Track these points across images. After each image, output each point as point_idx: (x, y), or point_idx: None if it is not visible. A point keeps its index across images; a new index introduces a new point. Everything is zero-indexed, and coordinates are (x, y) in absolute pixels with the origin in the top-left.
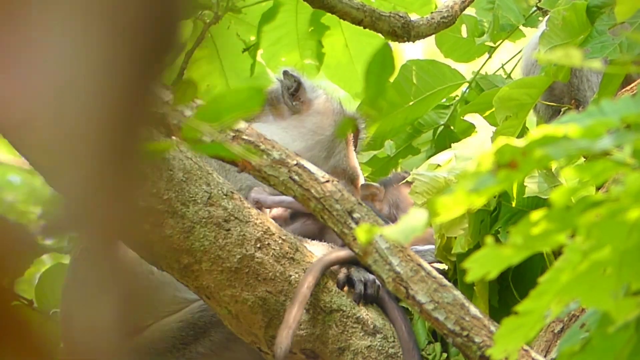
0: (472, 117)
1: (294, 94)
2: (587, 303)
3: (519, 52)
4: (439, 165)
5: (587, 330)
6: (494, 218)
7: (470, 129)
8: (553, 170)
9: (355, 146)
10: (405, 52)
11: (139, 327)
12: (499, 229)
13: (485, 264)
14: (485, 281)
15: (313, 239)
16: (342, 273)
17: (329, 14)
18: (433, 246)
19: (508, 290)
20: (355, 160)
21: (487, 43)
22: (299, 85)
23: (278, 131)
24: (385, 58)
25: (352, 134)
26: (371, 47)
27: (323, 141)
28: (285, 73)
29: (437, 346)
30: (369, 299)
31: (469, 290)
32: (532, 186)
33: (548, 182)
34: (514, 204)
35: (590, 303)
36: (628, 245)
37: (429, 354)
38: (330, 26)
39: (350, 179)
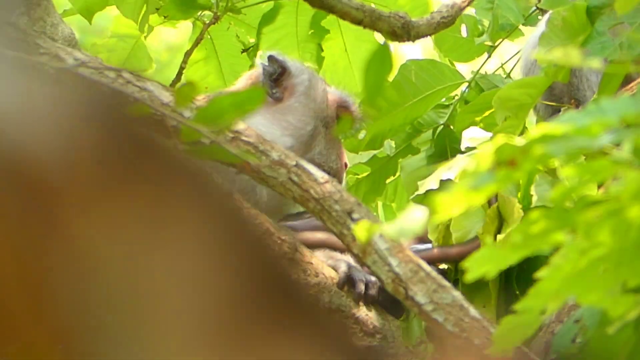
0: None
1: (277, 79)
2: (584, 301)
3: (519, 51)
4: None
5: (582, 327)
6: (499, 225)
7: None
8: (559, 176)
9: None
10: (405, 51)
11: None
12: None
13: (485, 264)
14: (494, 287)
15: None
16: (343, 272)
17: (329, 17)
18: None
19: (512, 294)
20: (336, 154)
21: (486, 43)
22: (283, 70)
23: (264, 122)
24: (383, 58)
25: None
26: (370, 52)
27: (303, 135)
28: (270, 58)
29: (430, 347)
30: (369, 299)
31: (469, 291)
32: (539, 194)
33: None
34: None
35: (588, 301)
36: (627, 244)
37: (420, 352)
38: (330, 30)
39: (329, 174)
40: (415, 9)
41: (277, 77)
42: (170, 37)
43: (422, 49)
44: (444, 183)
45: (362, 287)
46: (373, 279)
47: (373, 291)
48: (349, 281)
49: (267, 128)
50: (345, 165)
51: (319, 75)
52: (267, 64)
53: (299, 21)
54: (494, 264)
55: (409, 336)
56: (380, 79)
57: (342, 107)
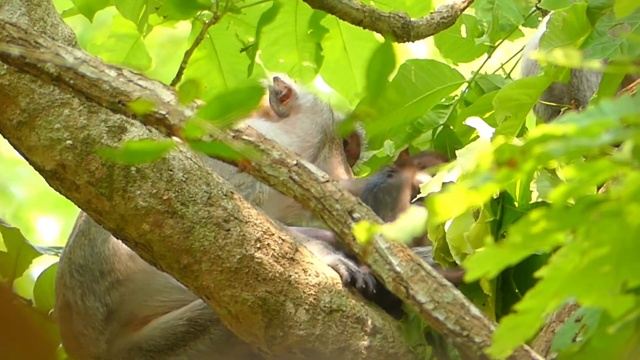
0: (474, 120)
1: (283, 99)
2: (585, 300)
3: (519, 52)
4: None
5: (582, 326)
6: (499, 223)
7: (469, 129)
8: (557, 171)
9: (358, 154)
10: (409, 51)
11: (134, 316)
12: (504, 234)
13: (485, 264)
14: (493, 289)
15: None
16: (346, 271)
17: (328, 16)
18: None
19: (513, 297)
20: (340, 168)
21: (486, 43)
22: (289, 91)
23: (273, 132)
24: (386, 55)
25: (343, 140)
26: (370, 52)
27: (310, 147)
28: (275, 79)
29: (428, 349)
30: (369, 296)
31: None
32: (540, 190)
33: (552, 184)
34: (517, 204)
35: (588, 300)
36: (627, 244)
37: (419, 354)
38: (329, 29)
39: None
40: (415, 5)
41: (282, 97)
42: (169, 30)
43: (427, 48)
44: (447, 186)
45: (362, 284)
46: (369, 276)
47: (371, 287)
48: (351, 279)
49: (276, 138)
50: None
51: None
52: (272, 84)
53: (298, 20)
54: (494, 264)
55: (409, 337)
56: (382, 76)
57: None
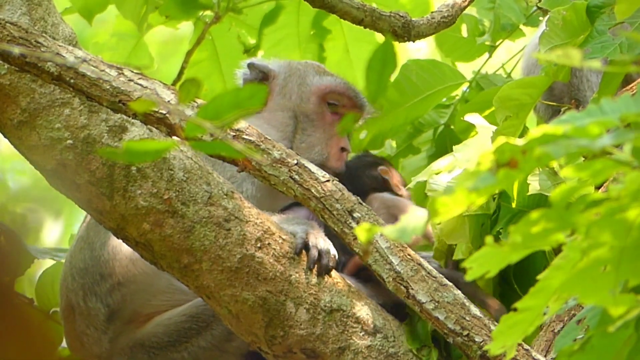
0: (472, 117)
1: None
2: (585, 299)
3: (520, 51)
4: (440, 172)
5: (584, 327)
6: (494, 220)
7: (470, 128)
8: (555, 167)
9: (357, 107)
10: (410, 51)
11: (137, 314)
12: (500, 230)
13: (485, 263)
14: (489, 284)
15: None
16: (300, 238)
17: (330, 17)
18: None
19: (513, 294)
20: (322, 145)
21: (487, 43)
22: (265, 75)
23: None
24: (386, 55)
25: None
26: (371, 53)
27: (287, 138)
28: (249, 65)
29: (434, 352)
30: (323, 269)
31: None
32: (535, 184)
33: (551, 180)
34: (514, 205)
35: (589, 299)
36: (627, 243)
37: (424, 356)
38: (332, 30)
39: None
40: (415, 9)
41: (260, 83)
42: (170, 29)
43: (427, 48)
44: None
45: (315, 253)
46: (332, 249)
47: (326, 260)
48: (305, 248)
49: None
50: (343, 149)
51: (302, 66)
52: (248, 72)
53: (300, 21)
54: (494, 264)
55: (413, 339)
56: (383, 76)
57: (331, 93)
